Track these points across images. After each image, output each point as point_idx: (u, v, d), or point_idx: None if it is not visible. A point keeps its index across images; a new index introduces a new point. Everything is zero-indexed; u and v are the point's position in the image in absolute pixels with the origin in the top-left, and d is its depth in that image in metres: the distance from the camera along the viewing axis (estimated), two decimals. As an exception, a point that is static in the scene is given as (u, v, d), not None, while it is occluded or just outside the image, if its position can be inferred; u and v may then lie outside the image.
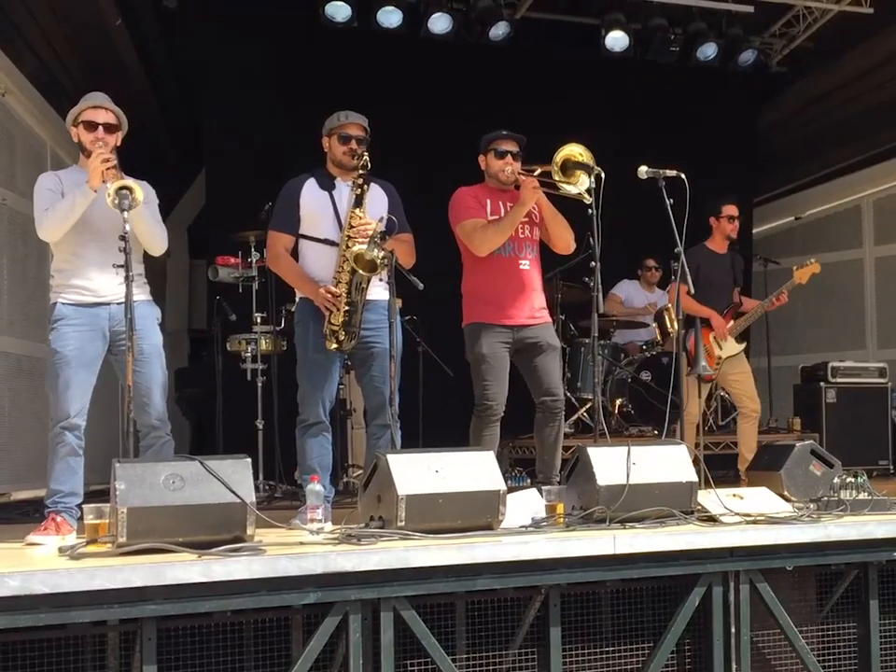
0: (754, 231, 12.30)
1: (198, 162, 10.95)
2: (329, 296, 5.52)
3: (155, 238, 5.35)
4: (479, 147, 6.21)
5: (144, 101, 10.39)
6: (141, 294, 5.35)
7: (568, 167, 5.92)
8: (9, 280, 8.06)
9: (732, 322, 7.60)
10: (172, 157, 11.90)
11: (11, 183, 8.09)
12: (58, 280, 5.32)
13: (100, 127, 5.27)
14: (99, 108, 5.32)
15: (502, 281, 6.05)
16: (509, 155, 6.09)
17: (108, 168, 5.07)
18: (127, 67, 9.86)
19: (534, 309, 6.12)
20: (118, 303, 5.08)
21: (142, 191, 4.99)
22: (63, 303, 5.25)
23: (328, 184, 5.72)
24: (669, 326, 8.26)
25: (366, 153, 5.61)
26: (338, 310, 5.52)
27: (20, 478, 7.85)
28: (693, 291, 6.30)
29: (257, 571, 4.00)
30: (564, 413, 6.19)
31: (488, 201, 6.12)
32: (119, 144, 5.36)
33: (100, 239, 5.12)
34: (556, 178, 5.87)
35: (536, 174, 5.97)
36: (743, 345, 7.70)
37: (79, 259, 5.25)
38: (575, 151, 5.90)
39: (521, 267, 6.09)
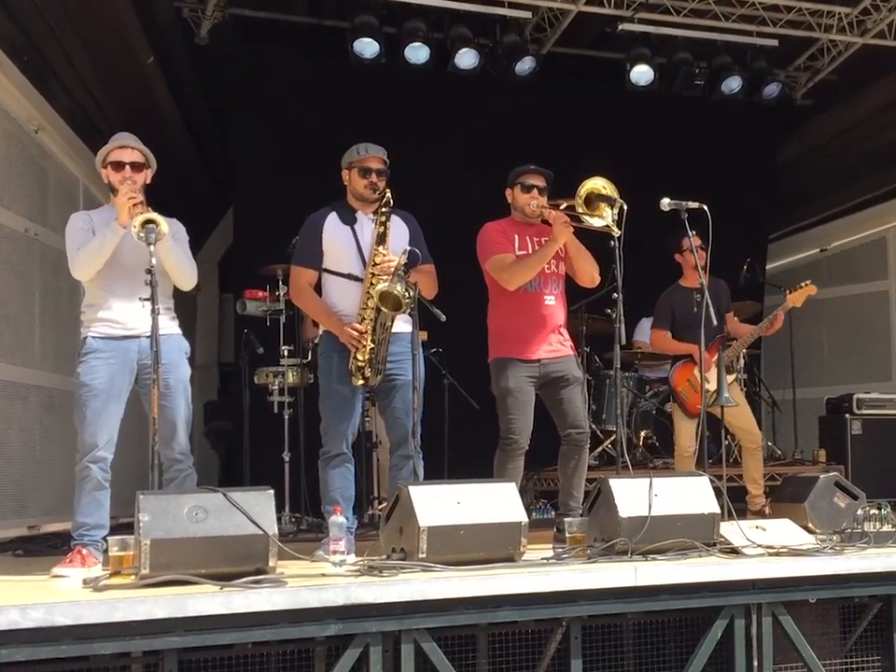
0: (779, 263, 12.30)
1: (228, 198, 11.06)
2: (356, 334, 5.57)
3: (185, 273, 5.44)
4: (505, 179, 6.26)
5: (176, 138, 10.52)
6: (170, 328, 5.44)
7: (592, 200, 5.93)
8: (41, 315, 8.15)
9: (717, 354, 7.32)
10: (204, 193, 12.01)
11: (44, 219, 8.19)
12: (88, 315, 5.41)
13: (127, 166, 5.38)
14: (125, 148, 5.43)
15: (528, 317, 6.08)
16: (535, 189, 6.13)
17: (134, 205, 5.17)
18: (160, 104, 9.98)
19: (559, 342, 6.15)
20: (147, 336, 5.11)
21: (167, 224, 5.07)
22: (93, 337, 5.34)
23: (349, 218, 5.78)
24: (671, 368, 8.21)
25: (388, 189, 5.68)
26: (363, 347, 5.57)
27: (49, 510, 7.90)
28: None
29: (278, 603, 4.03)
30: (589, 445, 6.21)
31: (516, 236, 6.15)
32: (147, 181, 5.46)
33: (129, 274, 5.20)
34: (580, 211, 5.89)
35: (561, 208, 6.01)
36: (733, 377, 7.56)
37: (109, 293, 5.34)
38: (599, 185, 5.92)
39: (546, 303, 6.12)
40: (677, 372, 7.63)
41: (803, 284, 7.48)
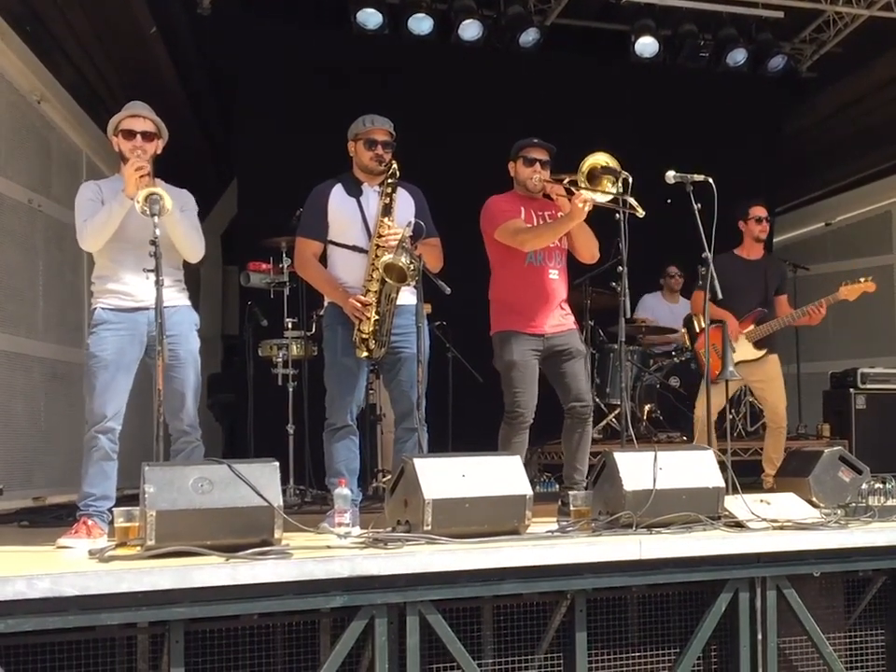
0: (784, 237, 12.27)
1: (231, 170, 11.03)
2: (360, 305, 5.56)
3: (192, 244, 5.42)
4: (508, 153, 6.23)
5: (178, 109, 10.46)
6: (180, 300, 5.45)
7: (595, 175, 5.91)
8: (45, 286, 8.15)
9: (751, 326, 7.31)
10: (206, 165, 11.98)
11: (47, 190, 8.18)
12: (98, 286, 5.40)
13: (138, 135, 5.34)
14: (137, 117, 5.39)
15: (531, 290, 6.07)
16: (538, 163, 6.11)
17: (142, 176, 5.14)
18: (162, 75, 9.94)
19: (561, 316, 6.14)
20: (162, 307, 5.11)
21: (170, 199, 5.03)
22: (103, 308, 5.33)
23: (355, 190, 5.76)
24: (698, 331, 8.18)
25: (394, 161, 5.66)
26: (368, 319, 5.55)
27: (54, 482, 7.92)
28: (720, 297, 6.13)
29: (283, 574, 4.04)
30: (592, 418, 6.21)
31: (521, 209, 6.13)
32: (159, 152, 5.42)
33: (137, 246, 5.16)
34: (583, 187, 5.86)
35: (564, 182, 5.99)
36: (762, 352, 7.37)
37: (118, 265, 5.33)
38: (601, 160, 5.89)
39: (550, 276, 6.10)
40: (700, 338, 7.40)
41: (861, 279, 7.28)
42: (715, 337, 7.31)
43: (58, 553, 4.83)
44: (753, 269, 7.46)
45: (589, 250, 6.16)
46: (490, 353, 6.18)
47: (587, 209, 5.80)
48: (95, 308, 5.37)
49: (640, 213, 5.72)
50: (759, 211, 7.44)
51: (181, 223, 5.30)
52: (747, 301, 7.19)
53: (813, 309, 7.34)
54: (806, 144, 11.98)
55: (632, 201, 5.74)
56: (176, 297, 5.42)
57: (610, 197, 5.82)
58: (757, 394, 7.44)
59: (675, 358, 9.16)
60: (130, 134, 5.35)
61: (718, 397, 7.21)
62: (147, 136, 5.36)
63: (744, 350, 7.22)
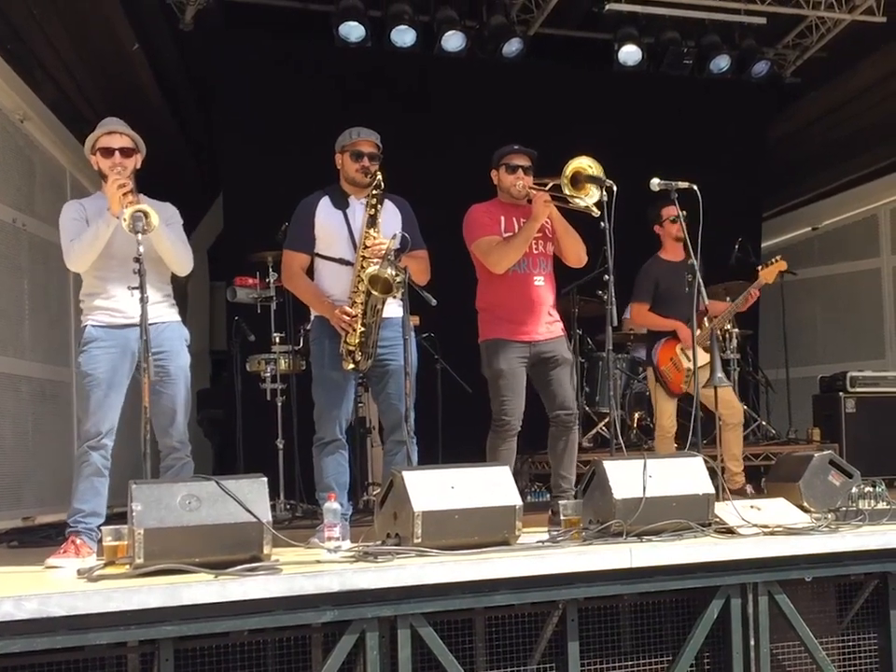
0: (771, 241, 12.29)
1: (217, 185, 11.02)
2: (346, 317, 5.55)
3: (179, 258, 5.41)
4: (491, 161, 6.24)
5: (163, 124, 10.47)
6: (170, 315, 5.45)
7: (579, 180, 5.90)
8: (31, 305, 8.12)
9: (700, 331, 7.12)
10: (191, 180, 11.97)
11: (31, 209, 8.16)
12: (87, 303, 5.39)
13: (116, 152, 5.33)
14: (114, 133, 5.38)
15: (517, 297, 6.07)
16: (520, 170, 6.12)
17: (125, 193, 5.12)
18: (145, 91, 9.93)
19: (549, 324, 6.14)
20: (148, 324, 5.08)
21: (156, 215, 5.01)
22: (92, 325, 5.32)
23: (341, 202, 5.75)
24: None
25: (379, 172, 5.66)
26: (354, 331, 5.54)
27: (43, 501, 7.89)
28: (706, 303, 6.09)
29: (273, 590, 4.02)
30: (578, 426, 6.20)
31: (502, 217, 6.14)
32: (138, 166, 5.41)
33: (123, 262, 5.12)
34: (567, 192, 5.86)
35: (547, 187, 5.99)
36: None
37: (105, 282, 5.31)
38: (584, 164, 5.89)
39: (535, 283, 6.11)
40: (660, 350, 7.45)
41: (773, 260, 7.44)
42: (671, 350, 7.32)
43: (46, 573, 4.80)
44: (681, 270, 7.05)
45: (576, 253, 6.16)
46: (478, 363, 6.17)
47: (548, 211, 5.83)
48: (85, 325, 5.35)
49: (595, 212, 5.73)
50: (671, 211, 7.05)
51: (167, 237, 5.29)
52: (685, 305, 6.65)
53: (745, 297, 7.44)
54: (792, 149, 12.02)
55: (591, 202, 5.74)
56: (166, 312, 5.41)
57: (591, 203, 5.80)
58: (708, 397, 7.25)
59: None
60: (108, 152, 5.34)
61: (675, 406, 7.24)
62: (126, 152, 5.35)
63: (700, 355, 7.08)
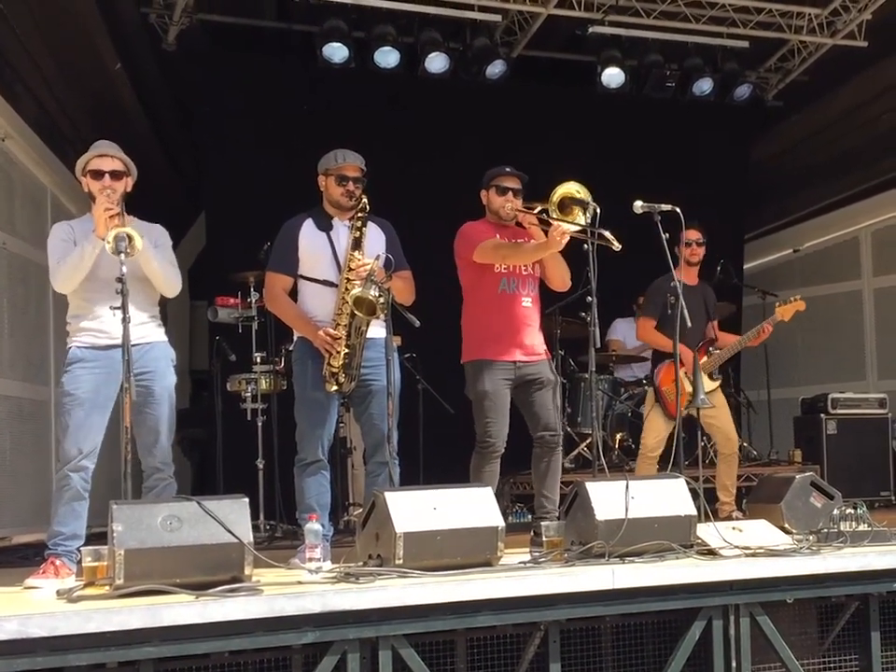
0: (753, 264, 12.35)
1: (198, 204, 10.99)
2: (329, 339, 5.54)
3: (168, 280, 5.41)
4: (477, 182, 6.24)
5: (145, 144, 10.43)
6: (156, 335, 5.44)
7: (566, 204, 5.91)
8: (10, 324, 8.06)
9: (705, 358, 7.37)
10: (174, 200, 11.93)
11: (12, 228, 8.11)
12: (73, 325, 5.38)
13: (106, 175, 5.33)
14: (105, 156, 5.38)
15: (505, 318, 6.06)
16: (510, 192, 6.12)
17: (112, 216, 5.12)
18: (127, 111, 9.91)
19: (534, 345, 6.13)
20: (133, 345, 5.04)
21: (140, 239, 5.02)
22: (77, 346, 5.31)
23: (325, 224, 5.75)
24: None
25: (364, 195, 5.66)
26: (337, 352, 5.54)
27: (21, 522, 7.82)
28: (689, 325, 6.11)
29: (254, 611, 4.00)
30: (561, 447, 6.19)
31: (497, 235, 6.14)
32: (128, 190, 5.42)
33: (108, 284, 5.10)
34: (555, 217, 5.85)
35: (535, 211, 5.99)
36: (717, 382, 7.47)
37: (91, 303, 5.30)
38: (572, 189, 5.89)
39: (523, 304, 6.11)
40: (663, 371, 7.43)
41: (793, 298, 7.45)
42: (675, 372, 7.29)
43: (25, 593, 4.78)
44: (694, 294, 7.34)
45: (561, 278, 6.17)
46: (461, 384, 6.16)
47: (564, 242, 5.78)
48: (70, 347, 5.34)
49: (616, 246, 5.72)
50: (687, 235, 7.17)
51: (154, 259, 5.28)
52: (693, 330, 6.81)
53: (758, 332, 7.47)
54: (774, 171, 12.07)
55: (608, 234, 5.73)
56: (153, 332, 5.41)
57: (580, 227, 5.81)
58: (708, 422, 7.31)
59: (646, 386, 9.14)
60: (98, 174, 5.34)
61: (667, 428, 7.23)
62: (116, 175, 5.35)
63: (703, 382, 7.10)
